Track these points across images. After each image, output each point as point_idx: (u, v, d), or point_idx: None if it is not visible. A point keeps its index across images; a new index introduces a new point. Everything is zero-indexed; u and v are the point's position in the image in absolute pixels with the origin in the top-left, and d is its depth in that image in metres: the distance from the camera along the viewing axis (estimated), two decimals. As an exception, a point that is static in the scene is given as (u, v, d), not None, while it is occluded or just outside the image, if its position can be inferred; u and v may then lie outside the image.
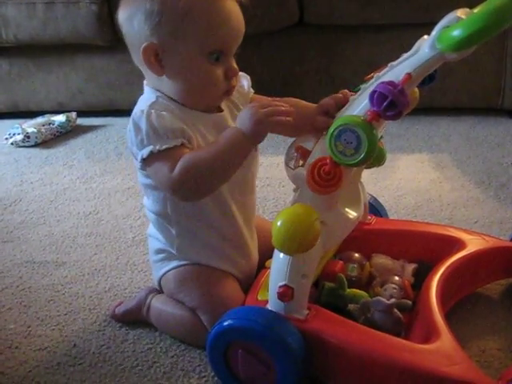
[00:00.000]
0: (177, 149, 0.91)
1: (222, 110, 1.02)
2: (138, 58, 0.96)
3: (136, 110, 0.94)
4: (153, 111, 0.92)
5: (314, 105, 1.01)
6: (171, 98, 0.97)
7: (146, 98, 0.99)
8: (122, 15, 0.97)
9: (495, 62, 2.11)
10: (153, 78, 0.97)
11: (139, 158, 0.93)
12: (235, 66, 0.97)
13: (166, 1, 0.91)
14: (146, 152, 0.92)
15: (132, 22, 0.94)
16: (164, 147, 0.91)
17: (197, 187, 0.93)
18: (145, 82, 1.03)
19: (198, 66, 0.94)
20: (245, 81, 1.07)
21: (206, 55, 0.93)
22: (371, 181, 1.64)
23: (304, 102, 1.05)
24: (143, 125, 0.92)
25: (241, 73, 1.06)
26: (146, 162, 0.93)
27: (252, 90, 1.08)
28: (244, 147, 0.91)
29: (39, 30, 2.23)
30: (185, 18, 0.91)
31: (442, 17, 0.80)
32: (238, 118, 0.92)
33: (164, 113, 0.93)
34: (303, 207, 0.86)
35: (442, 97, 2.15)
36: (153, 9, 0.91)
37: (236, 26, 0.95)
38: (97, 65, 2.29)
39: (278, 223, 0.85)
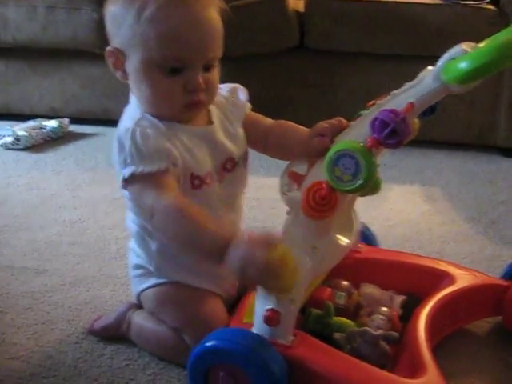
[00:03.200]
0: (160, 174, 0.88)
1: (212, 122, 0.99)
2: None
3: (121, 127, 0.92)
4: (138, 129, 0.90)
5: (308, 129, 0.97)
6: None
7: (131, 111, 0.97)
8: (105, 13, 0.96)
9: (491, 99, 2.13)
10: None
11: (121, 177, 0.90)
12: (198, 79, 0.91)
13: (125, 4, 0.90)
14: (127, 172, 0.89)
15: (107, 22, 0.95)
16: (147, 170, 0.88)
17: (168, 236, 0.91)
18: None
19: (152, 77, 0.91)
20: (241, 93, 1.04)
21: (157, 67, 0.90)
22: (362, 209, 1.59)
23: (297, 126, 1.03)
24: (127, 143, 0.89)
25: (237, 85, 1.05)
26: (128, 182, 0.90)
27: (249, 105, 1.05)
28: (212, 255, 0.84)
29: (38, 34, 2.22)
30: (137, 24, 0.88)
31: (441, 50, 0.80)
32: (237, 242, 0.81)
33: (149, 131, 0.90)
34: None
35: (436, 130, 2.15)
36: (115, 12, 0.91)
37: (197, 40, 0.89)
38: (93, 73, 2.29)
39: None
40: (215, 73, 0.95)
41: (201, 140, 0.97)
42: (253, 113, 1.05)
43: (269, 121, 1.05)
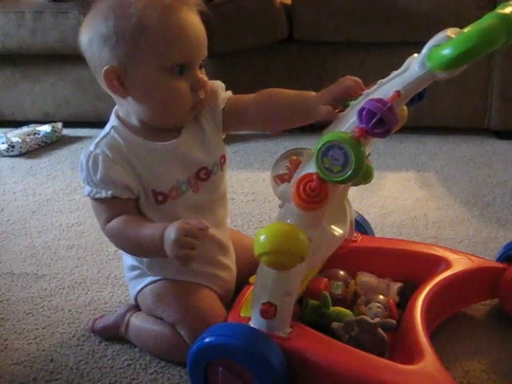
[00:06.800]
0: (107, 200, 0.96)
1: (179, 135, 0.99)
2: (102, 83, 0.95)
3: (88, 149, 0.97)
4: (93, 154, 0.95)
5: (311, 93, 0.99)
6: (130, 127, 0.98)
7: (106, 127, 1.00)
8: (82, 41, 0.95)
9: (482, 83, 2.13)
10: (121, 100, 0.97)
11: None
12: (202, 77, 0.96)
13: (119, 21, 0.90)
14: (85, 191, 0.98)
15: (92, 47, 0.93)
16: (97, 196, 0.96)
17: (119, 248, 1.04)
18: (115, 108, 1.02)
19: (161, 82, 0.93)
20: (220, 93, 1.02)
21: (167, 70, 0.92)
22: (357, 198, 1.63)
23: (290, 92, 1.02)
24: (84, 166, 0.96)
25: (215, 85, 1.02)
26: (89, 198, 0.98)
27: (226, 96, 1.02)
28: (158, 252, 0.91)
29: (27, 39, 2.22)
30: (140, 36, 0.90)
31: (430, 36, 0.80)
32: (168, 228, 0.89)
33: (101, 158, 0.94)
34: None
35: (429, 116, 2.16)
36: (108, 31, 0.90)
37: (195, 37, 0.93)
38: (84, 75, 2.28)
39: (263, 236, 0.82)
40: (204, 72, 0.98)
41: (166, 156, 0.98)
42: (232, 98, 1.02)
43: (249, 97, 1.01)
